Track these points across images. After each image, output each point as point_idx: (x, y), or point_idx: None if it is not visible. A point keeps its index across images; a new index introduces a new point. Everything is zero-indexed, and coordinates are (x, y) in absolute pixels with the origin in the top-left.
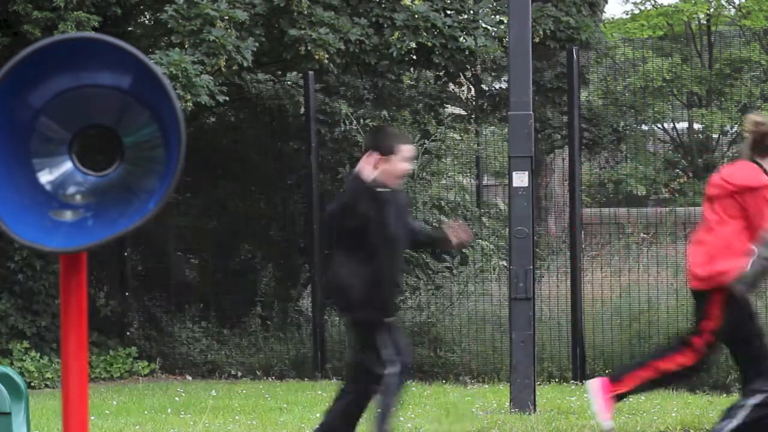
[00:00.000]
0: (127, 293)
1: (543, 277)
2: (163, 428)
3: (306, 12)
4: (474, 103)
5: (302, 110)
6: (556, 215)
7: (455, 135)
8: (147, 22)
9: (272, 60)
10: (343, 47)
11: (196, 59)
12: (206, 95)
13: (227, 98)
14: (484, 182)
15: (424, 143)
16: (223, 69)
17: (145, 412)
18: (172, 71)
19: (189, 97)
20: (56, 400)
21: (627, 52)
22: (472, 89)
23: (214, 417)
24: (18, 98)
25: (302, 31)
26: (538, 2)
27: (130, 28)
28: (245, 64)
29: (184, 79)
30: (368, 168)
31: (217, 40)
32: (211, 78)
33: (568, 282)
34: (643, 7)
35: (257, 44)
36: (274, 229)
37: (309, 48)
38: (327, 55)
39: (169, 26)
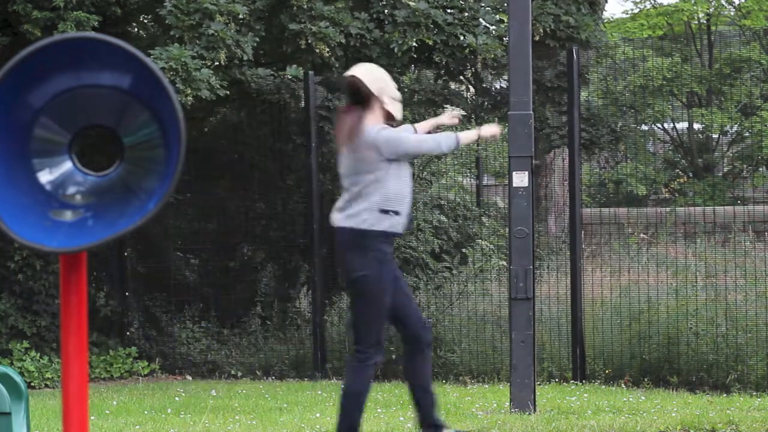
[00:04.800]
0: (127, 293)
1: (543, 277)
2: (163, 428)
3: (306, 6)
4: (474, 102)
5: (302, 104)
6: (556, 215)
7: None
8: (147, 22)
9: (273, 60)
10: (343, 41)
11: (195, 53)
12: (206, 89)
13: (228, 92)
14: (484, 182)
15: None
16: (223, 62)
17: (145, 412)
18: (172, 65)
19: (189, 91)
20: (56, 400)
21: (627, 52)
22: (472, 88)
23: (214, 417)
24: (18, 98)
25: (302, 25)
26: (538, 0)
27: (130, 29)
28: (245, 58)
29: (184, 73)
30: None
31: (216, 34)
32: (212, 72)
33: (568, 282)
34: (642, 7)
35: (257, 39)
36: (274, 229)
37: (309, 42)
38: (327, 49)
39: (167, 21)
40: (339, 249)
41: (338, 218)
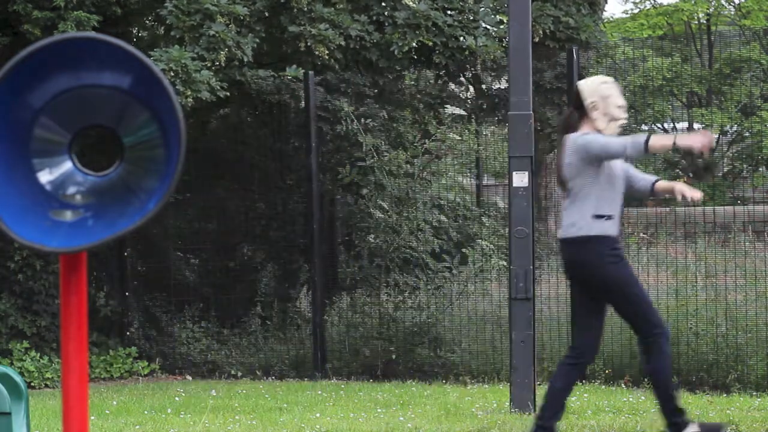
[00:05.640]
0: (127, 293)
1: (543, 277)
2: (163, 428)
3: (306, 8)
4: (474, 102)
5: (302, 105)
6: (556, 215)
7: (455, 135)
8: (147, 21)
9: (273, 60)
10: (343, 43)
11: (195, 54)
12: (206, 91)
13: (228, 93)
14: (484, 182)
15: (425, 143)
16: (223, 64)
17: (145, 412)
18: (172, 67)
19: (189, 92)
20: (56, 400)
21: (627, 52)
22: (471, 89)
23: (214, 417)
24: (18, 98)
25: (302, 27)
26: (537, 2)
27: (130, 29)
28: (245, 59)
29: (184, 75)
30: None
31: (217, 35)
32: (212, 73)
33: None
34: (642, 7)
35: (257, 40)
36: (274, 229)
37: (309, 44)
38: (327, 51)
39: (168, 22)
40: (568, 259)
41: (561, 229)
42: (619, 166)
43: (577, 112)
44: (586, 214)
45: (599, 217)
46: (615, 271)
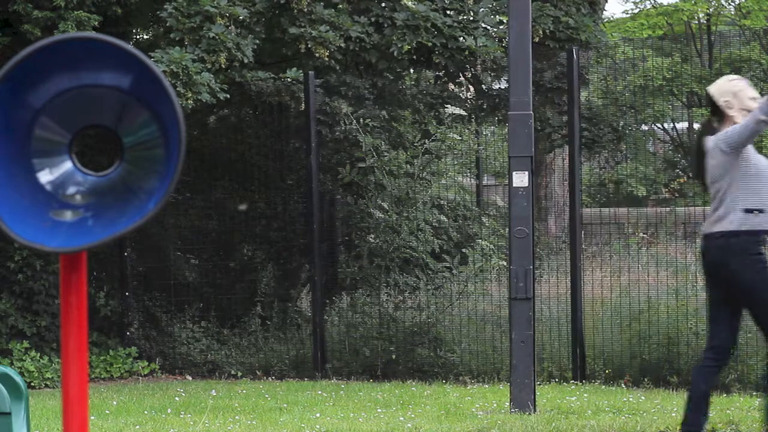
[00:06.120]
0: (127, 293)
1: (543, 277)
2: (163, 428)
3: (306, 10)
4: (474, 103)
5: (303, 107)
6: (556, 215)
7: (455, 135)
8: (149, 21)
9: (273, 61)
10: (343, 45)
11: (196, 56)
12: (207, 93)
13: (228, 95)
14: (484, 182)
15: (425, 143)
16: (223, 65)
17: (145, 412)
18: (173, 69)
19: (189, 94)
20: (56, 400)
21: (627, 52)
22: (472, 89)
23: (214, 417)
24: (18, 98)
25: (302, 29)
26: (537, 2)
27: (130, 29)
28: (246, 60)
29: (185, 77)
30: None
31: (217, 37)
32: (212, 75)
33: (568, 282)
34: (642, 7)
35: (257, 41)
36: (274, 229)
37: (309, 45)
38: (327, 53)
39: (168, 24)
40: (712, 255)
41: (706, 225)
42: (764, 160)
43: (716, 116)
44: (737, 208)
45: (750, 211)
46: (758, 275)
